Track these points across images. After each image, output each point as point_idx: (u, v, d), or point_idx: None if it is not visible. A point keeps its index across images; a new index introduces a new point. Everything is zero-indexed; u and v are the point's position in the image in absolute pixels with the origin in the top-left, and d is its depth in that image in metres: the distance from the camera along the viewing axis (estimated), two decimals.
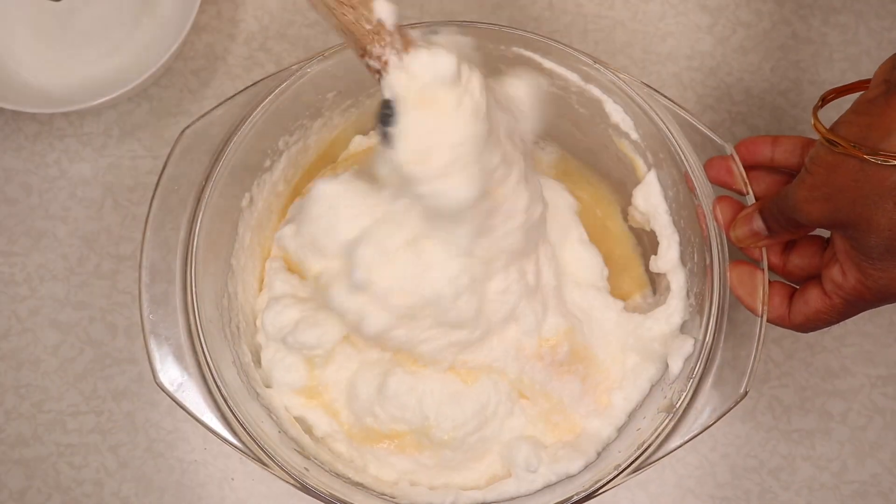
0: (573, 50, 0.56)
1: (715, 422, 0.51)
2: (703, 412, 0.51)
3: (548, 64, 0.57)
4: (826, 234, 0.53)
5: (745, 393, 0.50)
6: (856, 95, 0.48)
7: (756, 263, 0.52)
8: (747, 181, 0.53)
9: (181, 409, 0.51)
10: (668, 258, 0.56)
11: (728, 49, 0.70)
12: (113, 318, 0.64)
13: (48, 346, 0.64)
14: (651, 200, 0.57)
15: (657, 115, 0.55)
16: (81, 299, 0.65)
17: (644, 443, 0.51)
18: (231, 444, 0.50)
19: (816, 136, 0.47)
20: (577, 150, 0.63)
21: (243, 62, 0.69)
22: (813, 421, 0.63)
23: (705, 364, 0.52)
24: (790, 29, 0.70)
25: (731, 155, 0.53)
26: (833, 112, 0.49)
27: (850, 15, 0.71)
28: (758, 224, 0.51)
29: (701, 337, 0.52)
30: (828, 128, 0.46)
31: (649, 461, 0.50)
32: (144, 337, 0.51)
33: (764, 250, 0.52)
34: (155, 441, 0.62)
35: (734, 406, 0.50)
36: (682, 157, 0.54)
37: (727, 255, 0.53)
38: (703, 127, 0.55)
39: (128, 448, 0.62)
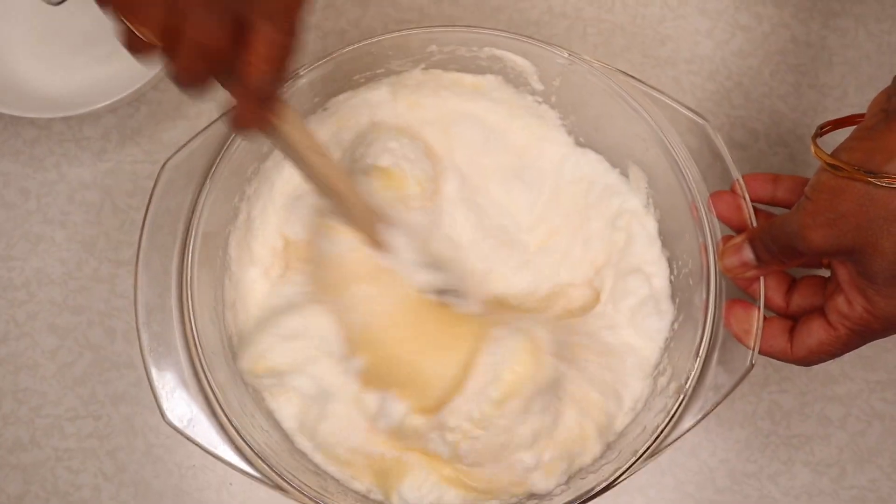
0: (547, 45, 0.56)
1: (724, 397, 0.51)
2: (711, 390, 0.51)
3: (521, 62, 0.57)
4: (826, 273, 0.53)
5: (752, 366, 0.50)
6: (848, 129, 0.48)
7: (753, 302, 0.52)
8: (754, 219, 0.53)
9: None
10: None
11: (727, 53, 0.70)
12: (111, 322, 0.64)
13: (46, 350, 0.64)
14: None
15: (637, 102, 0.55)
16: (80, 303, 0.65)
17: (658, 427, 0.51)
18: (249, 475, 0.50)
19: (814, 165, 0.47)
20: None
21: None
22: (812, 426, 0.63)
23: (710, 341, 0.52)
24: (789, 33, 0.70)
25: (737, 180, 0.53)
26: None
27: (849, 18, 0.70)
28: (747, 254, 0.51)
29: (702, 315, 0.52)
30: (829, 154, 0.46)
31: (665, 444, 0.51)
32: (148, 375, 0.51)
33: (762, 282, 0.52)
34: (153, 446, 0.62)
35: (742, 380, 0.51)
36: (668, 143, 0.54)
37: (718, 230, 0.53)
38: (682, 108, 0.55)
39: (126, 452, 0.62)
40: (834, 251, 0.46)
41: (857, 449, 0.63)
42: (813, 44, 0.70)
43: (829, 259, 0.50)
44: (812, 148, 0.47)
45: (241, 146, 0.55)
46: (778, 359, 0.52)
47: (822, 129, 0.51)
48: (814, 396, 0.63)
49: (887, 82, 0.69)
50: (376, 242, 0.53)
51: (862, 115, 0.48)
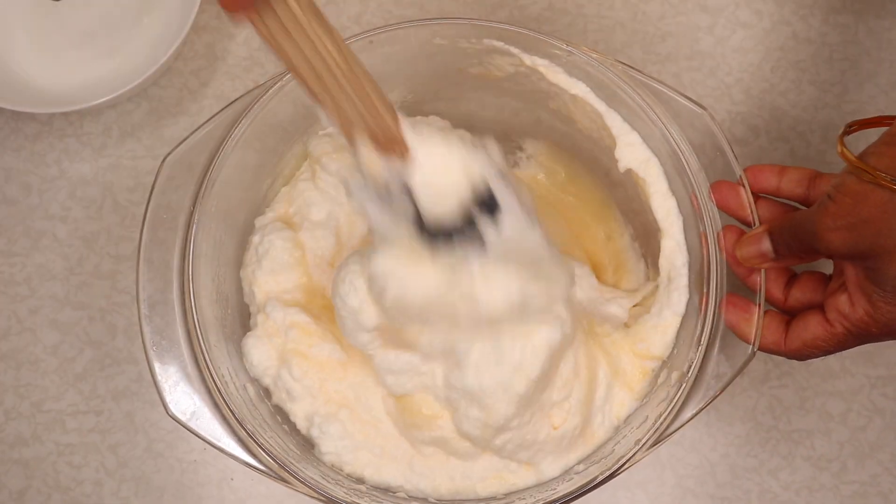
0: (544, 36, 0.55)
1: (726, 386, 0.51)
2: (713, 378, 0.51)
3: (515, 51, 0.57)
4: (828, 270, 0.53)
5: (753, 354, 0.50)
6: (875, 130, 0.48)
7: (752, 298, 0.51)
8: (755, 209, 0.52)
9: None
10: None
11: (728, 49, 0.70)
12: (112, 318, 0.64)
13: (48, 345, 0.64)
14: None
15: (637, 93, 0.55)
16: (81, 299, 0.65)
17: (660, 415, 0.51)
18: (252, 466, 0.50)
19: (821, 163, 0.47)
20: (563, 143, 0.63)
21: (243, 62, 0.69)
22: (813, 421, 0.63)
23: (711, 330, 0.52)
24: (790, 29, 0.70)
25: (740, 177, 0.53)
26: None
27: (849, 15, 0.71)
28: (766, 245, 0.50)
29: (703, 304, 0.52)
30: (856, 156, 0.45)
31: (667, 433, 0.51)
32: (151, 369, 0.51)
33: (762, 274, 0.52)
34: (154, 441, 0.62)
35: (743, 368, 0.51)
36: (666, 131, 0.54)
37: (718, 220, 0.53)
38: (681, 98, 0.54)
39: (127, 448, 0.62)
40: (851, 255, 0.46)
41: (858, 444, 0.63)
42: (813, 40, 0.70)
43: (842, 260, 0.50)
44: (838, 147, 0.47)
45: (241, 140, 0.55)
46: (770, 351, 0.52)
47: (849, 129, 0.50)
48: (814, 391, 0.63)
49: (887, 78, 0.69)
50: (389, 144, 0.46)
51: (891, 118, 0.47)
